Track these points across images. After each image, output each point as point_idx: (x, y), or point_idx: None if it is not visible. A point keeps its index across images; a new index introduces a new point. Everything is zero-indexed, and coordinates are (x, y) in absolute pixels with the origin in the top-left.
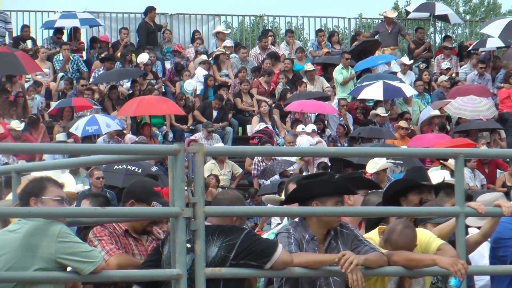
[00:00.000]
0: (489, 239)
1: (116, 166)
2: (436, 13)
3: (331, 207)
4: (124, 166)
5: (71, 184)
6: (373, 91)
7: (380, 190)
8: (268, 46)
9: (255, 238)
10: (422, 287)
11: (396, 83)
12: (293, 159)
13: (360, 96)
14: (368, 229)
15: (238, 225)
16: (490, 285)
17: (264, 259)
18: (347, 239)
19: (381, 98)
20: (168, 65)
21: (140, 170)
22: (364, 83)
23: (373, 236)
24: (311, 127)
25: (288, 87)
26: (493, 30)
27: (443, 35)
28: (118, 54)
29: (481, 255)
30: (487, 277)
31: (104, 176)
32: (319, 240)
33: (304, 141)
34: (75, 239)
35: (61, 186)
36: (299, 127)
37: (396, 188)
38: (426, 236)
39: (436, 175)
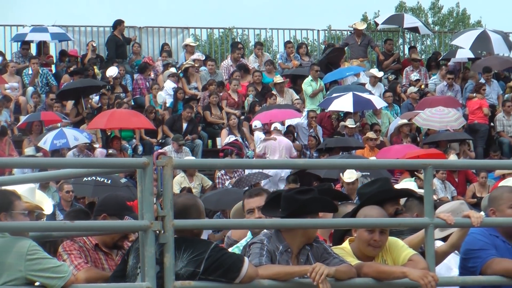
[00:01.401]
0: (456, 251)
1: (85, 178)
2: (405, 25)
3: (305, 220)
4: (93, 178)
5: (47, 204)
6: (343, 103)
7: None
8: (239, 58)
9: (222, 253)
10: None
11: (366, 95)
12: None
13: (330, 108)
14: (335, 241)
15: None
16: None
17: (232, 275)
18: (316, 252)
19: (351, 110)
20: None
21: (109, 181)
22: (334, 95)
23: (344, 247)
24: (274, 125)
25: (257, 100)
26: (464, 41)
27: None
28: None
29: (448, 268)
30: None
31: (73, 190)
32: (293, 252)
33: (256, 137)
34: (44, 254)
35: (20, 198)
36: (255, 123)
37: (373, 199)
38: (398, 244)
39: (404, 186)
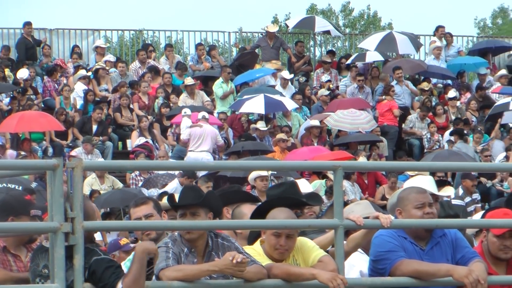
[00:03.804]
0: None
1: None
2: (316, 29)
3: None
4: (4, 185)
5: None
6: (255, 105)
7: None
8: (146, 60)
9: (104, 266)
10: None
11: (277, 97)
12: (175, 173)
13: (241, 110)
14: (251, 241)
15: None
16: None
17: None
18: (228, 251)
19: (263, 112)
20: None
21: (21, 187)
22: (245, 97)
23: (256, 247)
24: (202, 114)
25: (167, 101)
26: (370, 44)
27: (323, 48)
28: None
29: (351, 265)
30: None
31: None
32: (198, 252)
33: (183, 124)
34: None
35: None
36: (184, 110)
37: (278, 203)
38: (308, 245)
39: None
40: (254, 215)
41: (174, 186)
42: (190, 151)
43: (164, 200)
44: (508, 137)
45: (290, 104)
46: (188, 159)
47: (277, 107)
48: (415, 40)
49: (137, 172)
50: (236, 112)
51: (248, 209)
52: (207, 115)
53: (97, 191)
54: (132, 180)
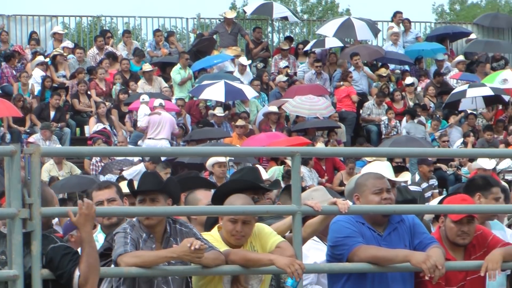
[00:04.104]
0: (316, 238)
1: None
2: (274, 15)
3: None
4: None
5: None
6: (215, 92)
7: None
8: (104, 46)
9: (61, 254)
10: (260, 280)
11: (237, 84)
12: (133, 159)
13: (202, 96)
14: (207, 227)
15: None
16: (327, 283)
17: (65, 280)
18: (186, 237)
19: (223, 100)
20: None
21: None
22: (206, 82)
23: (213, 233)
24: (158, 101)
25: (125, 87)
26: (328, 30)
27: (281, 34)
28: None
29: (304, 255)
30: (311, 276)
31: None
32: (156, 238)
33: (141, 111)
34: None
35: None
36: (142, 96)
37: (233, 187)
38: (266, 231)
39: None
40: (214, 201)
41: (138, 169)
42: (149, 138)
43: (122, 185)
44: (466, 123)
45: (250, 93)
46: (147, 147)
47: (237, 95)
48: (373, 26)
49: (98, 158)
50: (195, 98)
51: (202, 195)
52: (163, 102)
53: (56, 177)
54: (92, 166)
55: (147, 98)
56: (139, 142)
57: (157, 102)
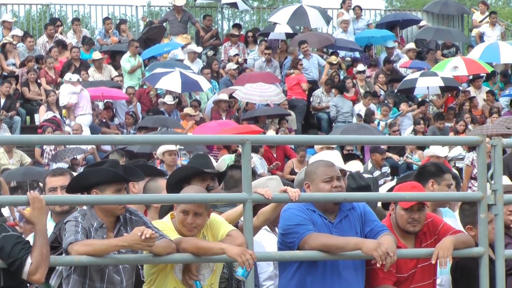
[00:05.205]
0: (267, 227)
1: None
2: (223, 1)
3: (110, 196)
4: None
5: None
6: (171, 82)
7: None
8: (54, 34)
9: (13, 242)
10: (211, 269)
11: (192, 75)
12: (85, 147)
13: (158, 86)
14: (162, 214)
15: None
16: (278, 272)
17: (15, 270)
18: (136, 226)
19: (179, 91)
20: None
21: None
22: (160, 71)
23: (166, 221)
24: (76, 76)
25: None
26: (281, 17)
27: (231, 22)
28: None
29: (259, 245)
30: (271, 268)
31: None
32: (108, 227)
33: (65, 90)
34: None
35: None
36: (68, 75)
37: (179, 175)
38: (217, 220)
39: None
40: (168, 189)
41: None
42: (79, 115)
43: None
44: (419, 110)
45: (206, 85)
46: (100, 135)
47: (193, 86)
48: (325, 14)
49: (52, 147)
50: (150, 87)
51: (164, 183)
52: (80, 77)
53: (7, 167)
54: (45, 154)
55: (75, 77)
56: (67, 122)
57: (74, 77)
